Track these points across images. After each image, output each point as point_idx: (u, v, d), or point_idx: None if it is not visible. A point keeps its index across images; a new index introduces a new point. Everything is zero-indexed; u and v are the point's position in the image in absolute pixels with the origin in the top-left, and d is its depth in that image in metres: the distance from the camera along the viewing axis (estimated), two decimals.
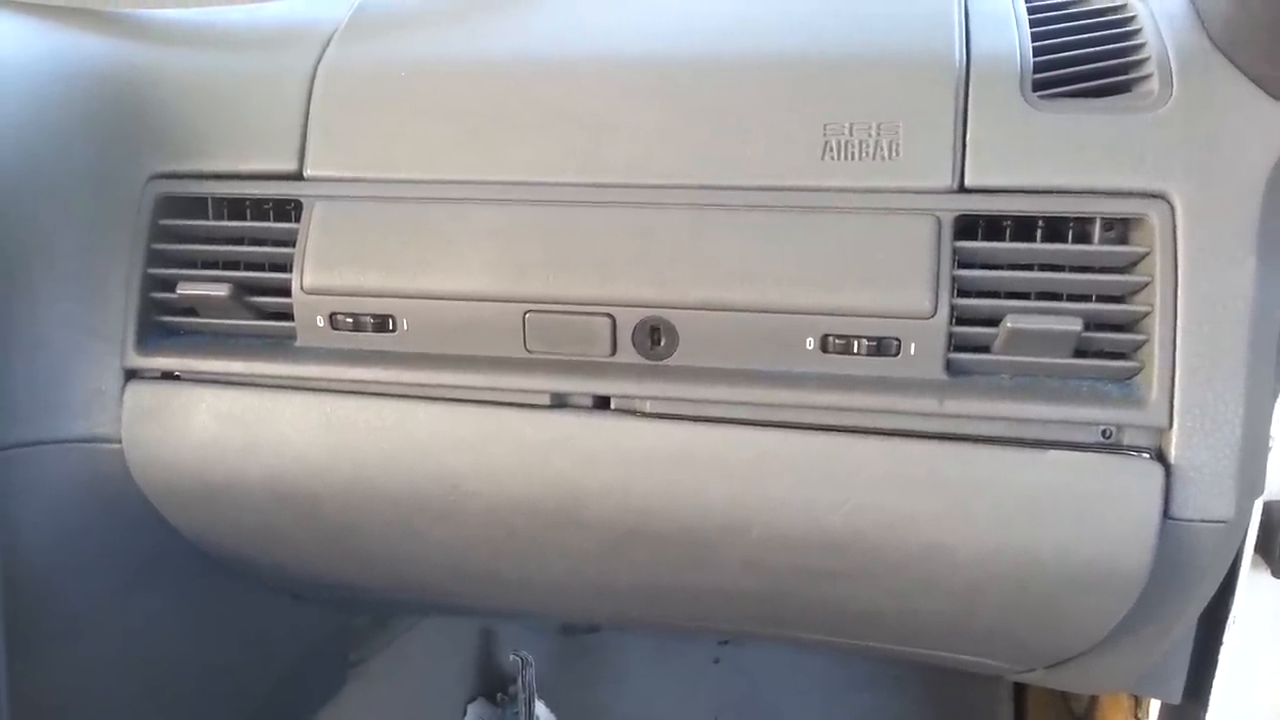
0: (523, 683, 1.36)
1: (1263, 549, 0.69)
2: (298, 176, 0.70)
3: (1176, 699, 0.77)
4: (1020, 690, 1.37)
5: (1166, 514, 0.58)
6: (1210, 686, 0.74)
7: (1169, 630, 0.67)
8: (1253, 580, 0.70)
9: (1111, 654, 0.69)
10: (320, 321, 0.68)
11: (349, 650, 1.21)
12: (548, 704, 1.41)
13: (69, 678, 0.80)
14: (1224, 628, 0.72)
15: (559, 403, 0.66)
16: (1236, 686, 0.74)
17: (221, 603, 0.91)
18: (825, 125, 0.62)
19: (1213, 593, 0.65)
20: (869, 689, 1.46)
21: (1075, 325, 0.58)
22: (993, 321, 0.60)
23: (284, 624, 1.03)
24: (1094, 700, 1.05)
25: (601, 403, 0.65)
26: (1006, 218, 0.61)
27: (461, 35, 0.72)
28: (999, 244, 0.61)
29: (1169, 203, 0.58)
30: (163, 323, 0.72)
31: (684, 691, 1.48)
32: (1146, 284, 0.59)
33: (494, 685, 1.42)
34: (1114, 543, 0.59)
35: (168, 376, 0.72)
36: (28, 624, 0.72)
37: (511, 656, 1.38)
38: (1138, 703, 0.90)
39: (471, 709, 1.38)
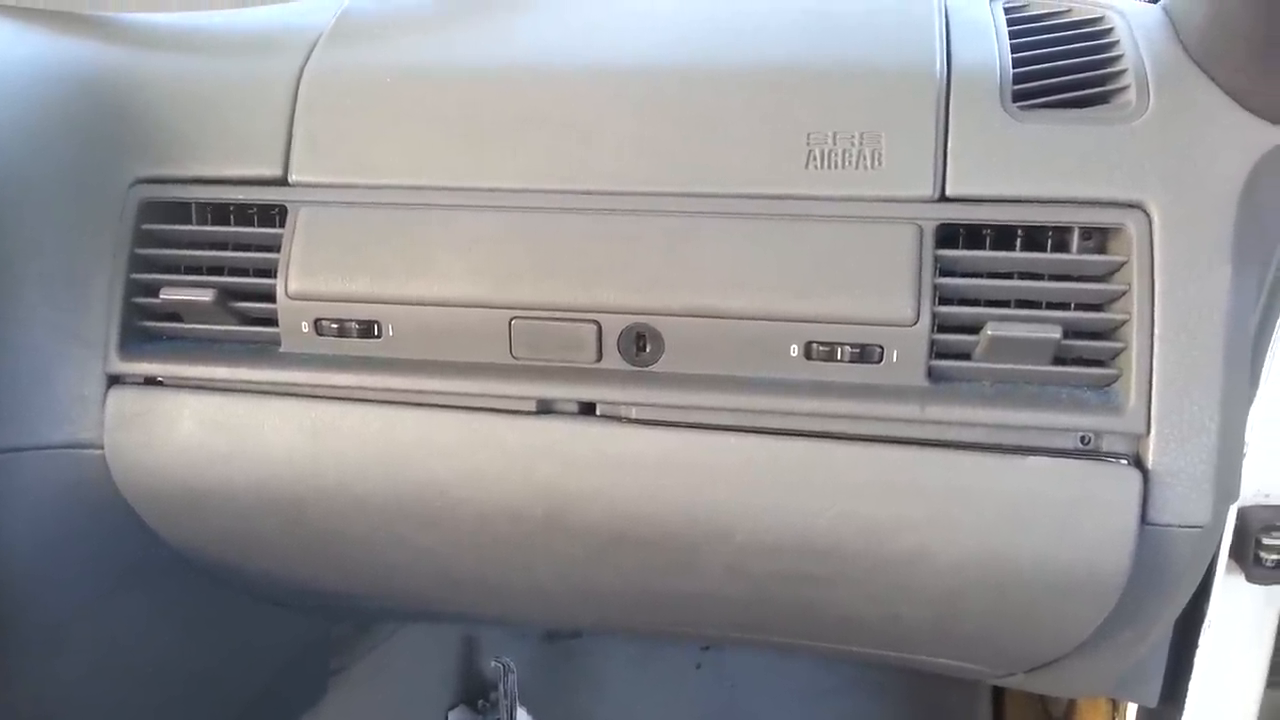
0: (504, 689, 1.36)
1: (1237, 554, 0.70)
2: (282, 182, 0.70)
3: (1153, 702, 0.78)
4: (999, 694, 1.38)
5: (1144, 519, 0.59)
6: (1186, 690, 0.75)
7: (1146, 634, 0.68)
8: (1227, 585, 0.71)
9: (1090, 658, 0.70)
10: (305, 327, 0.68)
11: (331, 657, 1.20)
12: (529, 710, 1.40)
13: (49, 685, 0.79)
14: (1200, 632, 0.73)
15: (545, 409, 0.66)
16: (1212, 690, 0.75)
17: (204, 610, 0.90)
18: (809, 134, 0.63)
19: (1189, 597, 0.66)
20: (850, 694, 1.46)
21: (1054, 333, 0.59)
22: (973, 329, 0.61)
23: (266, 631, 1.03)
24: (1072, 704, 1.05)
25: (587, 409, 0.66)
26: (986, 226, 0.62)
27: (446, 42, 0.72)
28: (979, 252, 0.61)
29: (1146, 212, 0.59)
30: (146, 328, 0.72)
31: (666, 697, 1.48)
32: (1124, 292, 0.59)
33: (475, 692, 1.42)
34: (1093, 548, 0.59)
35: (151, 382, 0.71)
36: (8, 630, 0.72)
37: (493, 663, 1.37)
38: (1115, 706, 0.90)
39: (453, 715, 1.38)
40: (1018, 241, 0.62)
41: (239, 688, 1.03)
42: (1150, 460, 0.59)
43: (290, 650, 1.10)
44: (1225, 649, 0.74)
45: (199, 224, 0.72)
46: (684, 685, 1.49)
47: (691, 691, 1.49)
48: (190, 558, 0.80)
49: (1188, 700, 0.75)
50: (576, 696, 1.48)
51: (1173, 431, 0.58)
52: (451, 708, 1.39)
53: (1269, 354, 0.64)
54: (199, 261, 0.71)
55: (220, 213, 0.72)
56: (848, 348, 0.61)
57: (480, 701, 1.41)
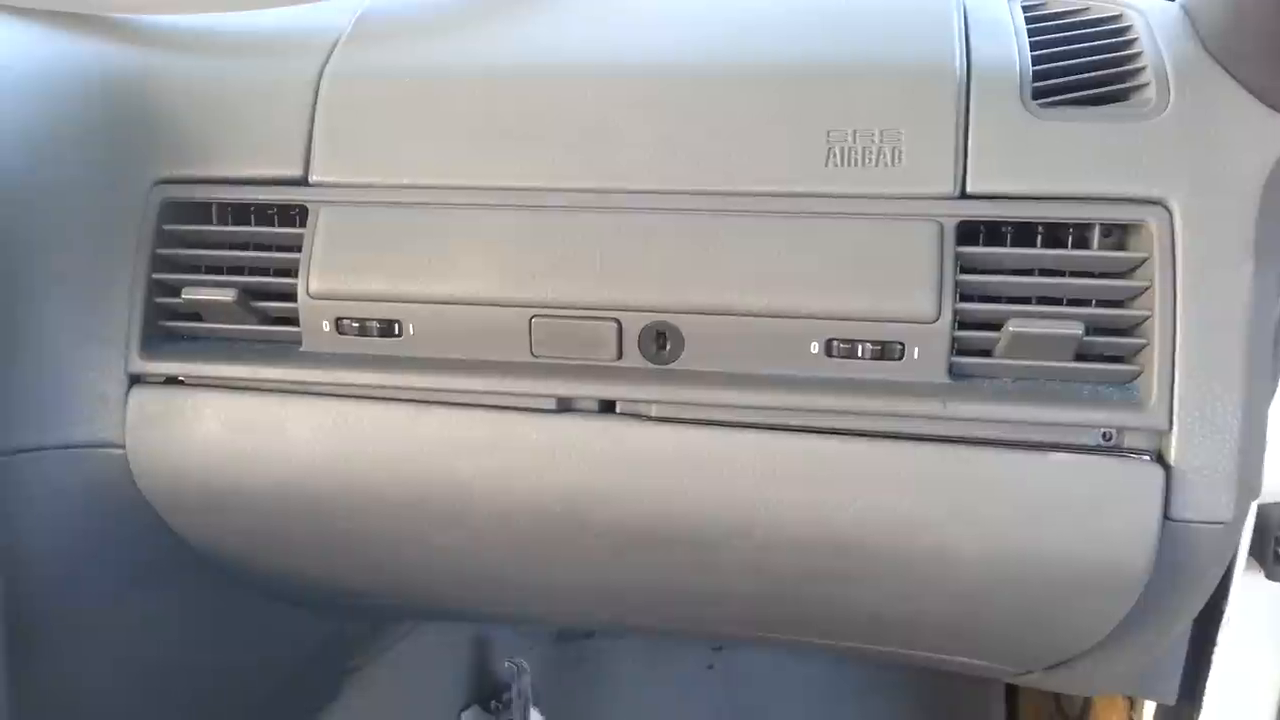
0: (518, 690, 1.36)
1: (1256, 552, 0.70)
2: (303, 182, 0.70)
3: (1171, 700, 0.78)
4: (1013, 695, 1.38)
5: (1167, 515, 0.59)
6: (1205, 687, 0.75)
7: (1167, 631, 0.68)
8: (1246, 582, 0.71)
9: (1110, 655, 0.70)
10: (326, 326, 0.68)
11: (345, 657, 1.21)
12: (542, 711, 1.40)
13: (69, 683, 0.79)
14: (1218, 629, 0.73)
15: (565, 407, 0.66)
16: (1230, 687, 0.75)
17: (222, 609, 0.90)
18: (829, 132, 0.63)
19: (1210, 594, 0.66)
20: (862, 695, 1.46)
21: (1076, 329, 0.59)
22: (994, 326, 0.61)
23: (282, 630, 1.03)
24: (1088, 702, 1.05)
25: (607, 407, 0.66)
26: (1007, 223, 0.62)
27: (466, 41, 0.73)
28: (1000, 249, 0.62)
29: (1167, 209, 0.59)
30: (167, 328, 0.72)
31: (678, 698, 1.48)
32: (1146, 289, 0.59)
33: (488, 693, 1.42)
34: (1115, 544, 0.59)
35: (172, 381, 0.71)
36: (29, 629, 0.72)
37: (506, 664, 1.37)
38: (1132, 704, 0.90)
39: (466, 716, 1.38)
40: (1038, 238, 0.62)
41: (254, 686, 1.03)
42: (1172, 456, 0.59)
43: (305, 649, 1.10)
44: (1244, 647, 0.74)
45: (220, 224, 0.72)
46: (697, 686, 1.48)
47: (704, 692, 1.48)
48: (210, 557, 0.80)
49: (1206, 698, 0.75)
50: (589, 697, 1.48)
51: (1195, 427, 0.58)
52: (465, 708, 1.39)
53: None
54: (220, 261, 0.71)
55: (241, 213, 0.72)
56: (868, 345, 0.61)
57: (493, 702, 1.41)
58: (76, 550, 0.74)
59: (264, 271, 0.70)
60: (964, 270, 0.61)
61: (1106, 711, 0.98)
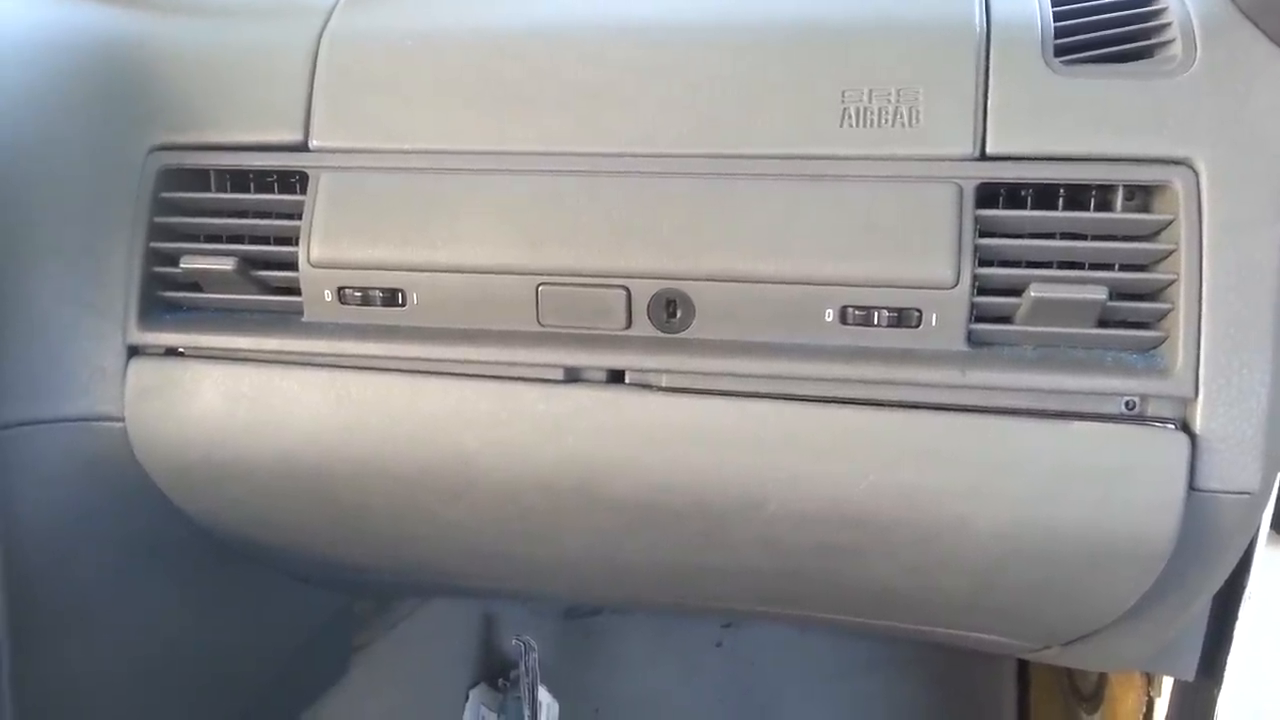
0: (525, 667, 1.35)
1: (1279, 524, 0.68)
2: (303, 148, 0.68)
3: (1190, 676, 0.77)
4: (1024, 671, 1.37)
5: (1191, 486, 0.57)
6: (1225, 663, 0.74)
7: (1188, 605, 0.67)
8: (1269, 556, 0.70)
9: (1129, 630, 0.68)
10: (328, 295, 0.67)
11: (352, 635, 1.20)
12: (550, 689, 1.40)
13: (70, 660, 0.79)
14: (1239, 604, 0.72)
15: (573, 377, 0.65)
16: (1252, 663, 0.74)
17: (225, 585, 0.90)
18: (844, 92, 0.61)
19: (1234, 566, 0.65)
20: (873, 672, 1.45)
21: (1099, 294, 0.57)
22: (1015, 291, 0.59)
23: (288, 607, 1.02)
24: (1103, 679, 1.04)
25: (616, 377, 0.64)
26: (1028, 185, 0.60)
27: (469, 2, 0.71)
28: (1021, 212, 0.60)
29: (1193, 169, 0.58)
30: (166, 298, 0.71)
31: (686, 675, 1.48)
32: (1171, 252, 0.58)
33: (496, 670, 1.42)
34: (1139, 515, 0.58)
35: (171, 353, 0.70)
36: (28, 606, 0.71)
37: (514, 641, 1.37)
38: (1150, 680, 0.89)
39: (474, 694, 1.38)
40: (1060, 200, 0.60)
41: (260, 664, 1.03)
42: (1198, 425, 0.57)
43: (311, 627, 1.10)
44: (1265, 622, 0.73)
45: (218, 191, 0.71)
46: (705, 663, 1.48)
47: (712, 670, 1.48)
48: (212, 531, 0.79)
49: (1226, 674, 0.74)
50: (597, 675, 1.48)
51: (1221, 395, 0.57)
52: (472, 686, 1.38)
53: None
54: (219, 230, 0.70)
55: (240, 180, 0.71)
56: (885, 312, 0.60)
57: (501, 680, 1.41)
58: (76, 525, 0.73)
59: (264, 240, 0.69)
60: (983, 234, 0.59)
61: (1123, 688, 0.97)
